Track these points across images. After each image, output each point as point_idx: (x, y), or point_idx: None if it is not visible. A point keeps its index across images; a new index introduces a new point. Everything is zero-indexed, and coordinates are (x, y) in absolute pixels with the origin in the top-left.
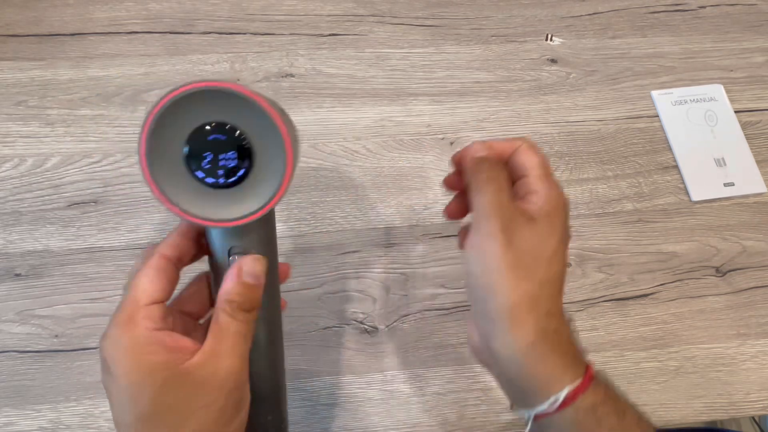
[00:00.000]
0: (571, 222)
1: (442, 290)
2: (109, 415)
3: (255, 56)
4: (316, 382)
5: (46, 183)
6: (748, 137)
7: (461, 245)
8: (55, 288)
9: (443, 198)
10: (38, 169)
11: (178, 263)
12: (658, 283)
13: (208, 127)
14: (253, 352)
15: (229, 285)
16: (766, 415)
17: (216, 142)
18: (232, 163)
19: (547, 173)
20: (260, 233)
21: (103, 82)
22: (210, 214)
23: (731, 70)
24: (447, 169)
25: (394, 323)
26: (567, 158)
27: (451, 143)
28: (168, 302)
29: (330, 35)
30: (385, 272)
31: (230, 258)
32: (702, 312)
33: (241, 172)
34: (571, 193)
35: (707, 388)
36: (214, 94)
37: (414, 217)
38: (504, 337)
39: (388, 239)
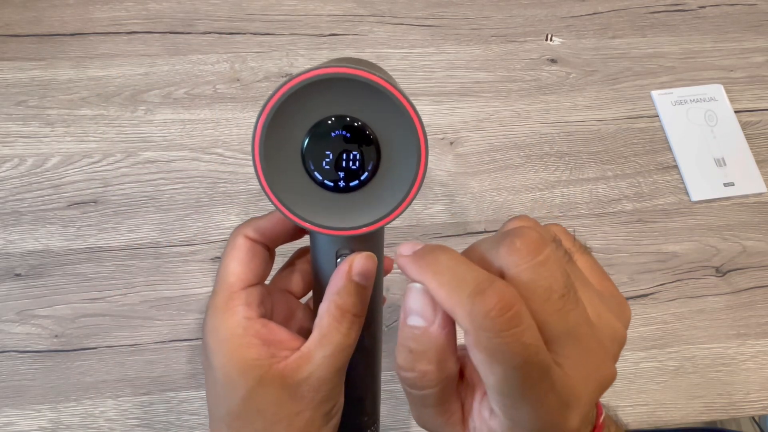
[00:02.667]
0: (572, 222)
1: None
2: (109, 415)
3: (255, 56)
4: None
5: (46, 183)
6: (748, 137)
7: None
8: (55, 288)
9: (443, 198)
10: (38, 169)
11: (269, 243)
12: (658, 283)
13: (330, 122)
14: (354, 355)
15: (338, 284)
16: (766, 415)
17: (339, 140)
18: (356, 165)
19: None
20: (375, 238)
21: (103, 82)
22: (325, 220)
23: (731, 70)
24: (447, 168)
25: (395, 323)
26: (567, 158)
27: (451, 143)
28: (267, 281)
29: (330, 35)
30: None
31: (338, 260)
32: (702, 312)
33: (365, 175)
34: (571, 193)
35: (707, 388)
36: (339, 83)
37: (414, 217)
38: None
39: (388, 239)
